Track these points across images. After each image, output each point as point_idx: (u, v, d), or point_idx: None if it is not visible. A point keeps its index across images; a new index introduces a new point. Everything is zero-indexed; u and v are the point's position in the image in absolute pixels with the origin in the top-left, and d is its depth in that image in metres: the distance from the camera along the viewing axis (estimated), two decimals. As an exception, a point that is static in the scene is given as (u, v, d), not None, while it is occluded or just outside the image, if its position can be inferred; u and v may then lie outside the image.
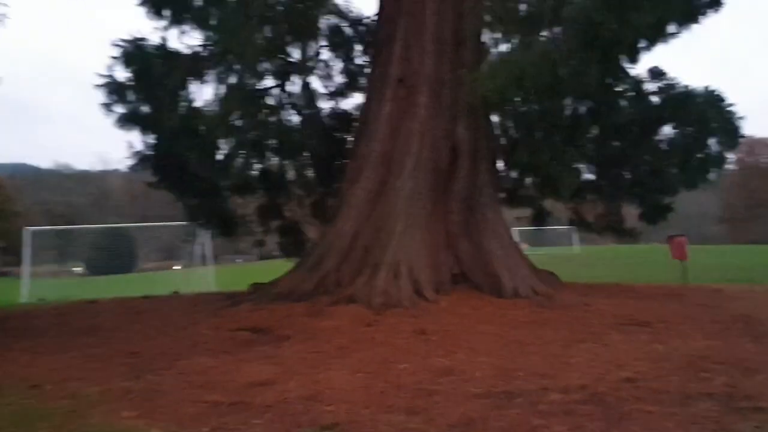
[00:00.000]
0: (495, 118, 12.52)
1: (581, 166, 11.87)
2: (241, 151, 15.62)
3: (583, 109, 11.40)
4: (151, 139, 14.31)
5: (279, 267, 13.54)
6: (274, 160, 16.39)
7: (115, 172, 78.05)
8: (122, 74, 13.41)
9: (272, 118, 15.88)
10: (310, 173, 16.51)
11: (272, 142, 16.02)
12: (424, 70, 11.66)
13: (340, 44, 15.40)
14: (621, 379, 5.88)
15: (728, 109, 12.73)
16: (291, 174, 16.51)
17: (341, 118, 15.95)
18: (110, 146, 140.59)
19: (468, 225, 11.46)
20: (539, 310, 9.63)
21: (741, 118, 12.81)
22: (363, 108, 12.94)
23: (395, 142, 11.59)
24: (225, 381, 6.32)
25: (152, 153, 14.40)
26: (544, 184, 11.03)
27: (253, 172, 16.20)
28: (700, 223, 67.55)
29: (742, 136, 12.98)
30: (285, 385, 6.09)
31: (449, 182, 11.60)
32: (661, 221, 14.82)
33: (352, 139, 13.21)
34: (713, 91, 12.79)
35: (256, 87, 14.84)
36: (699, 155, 12.50)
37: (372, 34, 14.64)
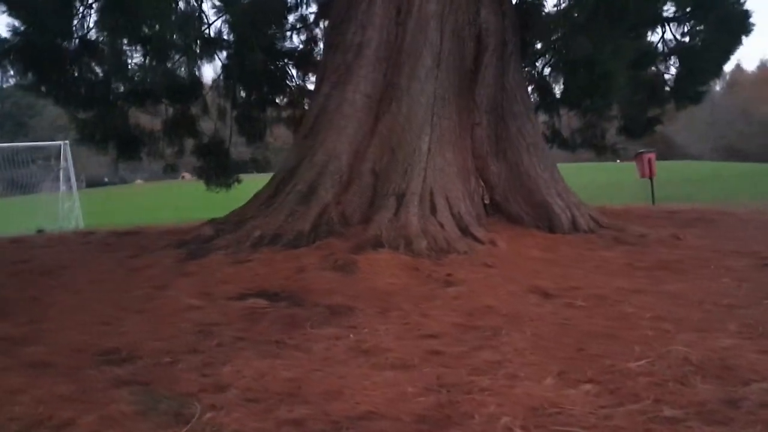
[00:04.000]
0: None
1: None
2: (136, 48, 11.85)
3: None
4: (22, 23, 10.16)
5: (130, 195, 10.24)
6: (183, 61, 12.66)
7: None
8: None
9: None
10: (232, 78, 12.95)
11: (176, 36, 12.33)
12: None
13: None
14: None
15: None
16: (208, 79, 12.94)
17: (273, 6, 12.46)
18: None
19: (498, 141, 8.89)
20: (633, 249, 7.43)
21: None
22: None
23: (404, 29, 8.60)
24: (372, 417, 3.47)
25: (23, 43, 10.26)
26: (592, 86, 8.67)
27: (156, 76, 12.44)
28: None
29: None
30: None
31: (472, 84, 8.89)
32: (647, 136, 13.19)
33: (328, 27, 9.93)
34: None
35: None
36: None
37: None
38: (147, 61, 12.15)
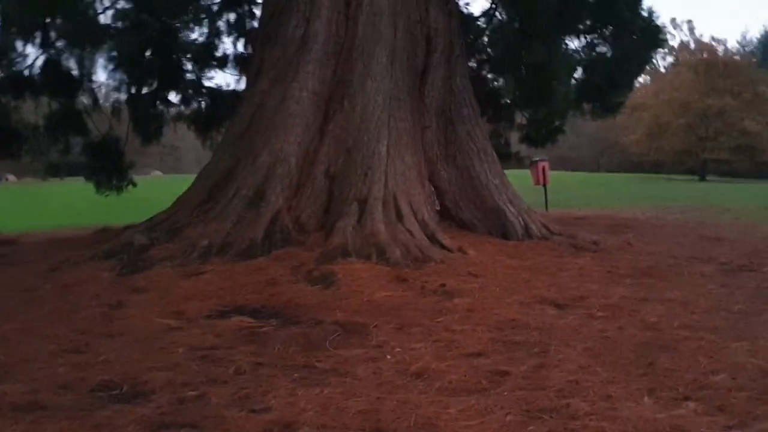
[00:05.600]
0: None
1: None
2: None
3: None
4: None
5: None
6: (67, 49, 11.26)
7: None
8: None
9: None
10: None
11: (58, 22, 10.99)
12: None
13: None
14: None
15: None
16: (98, 70, 11.57)
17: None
18: None
19: (448, 145, 8.62)
20: (598, 256, 7.46)
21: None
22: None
23: (354, 23, 8.11)
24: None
25: None
26: (540, 88, 8.60)
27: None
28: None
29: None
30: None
31: (422, 86, 8.57)
32: (549, 144, 13.54)
33: (263, 17, 9.11)
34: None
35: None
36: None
37: None
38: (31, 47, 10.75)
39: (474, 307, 5.42)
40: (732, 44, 56.92)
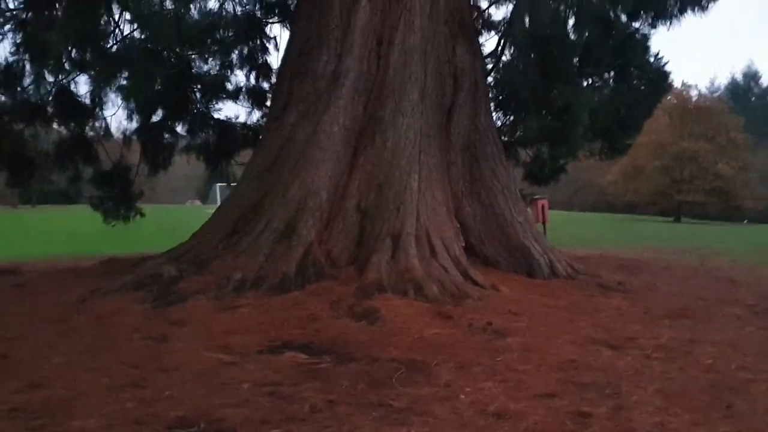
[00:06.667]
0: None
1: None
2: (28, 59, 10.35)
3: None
4: None
5: None
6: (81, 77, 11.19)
7: None
8: None
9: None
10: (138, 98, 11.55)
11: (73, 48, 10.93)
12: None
13: None
14: None
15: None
16: (110, 97, 11.42)
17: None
18: None
19: (473, 182, 8.68)
20: (628, 296, 7.51)
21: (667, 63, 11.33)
22: (301, 5, 9.00)
23: (386, 61, 8.18)
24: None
25: None
26: (561, 125, 8.74)
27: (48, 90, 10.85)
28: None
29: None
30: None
31: (448, 123, 8.65)
32: (552, 183, 13.71)
33: (292, 52, 9.07)
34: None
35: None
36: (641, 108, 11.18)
37: None
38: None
39: (528, 346, 5.40)
40: (701, 90, 58.49)
